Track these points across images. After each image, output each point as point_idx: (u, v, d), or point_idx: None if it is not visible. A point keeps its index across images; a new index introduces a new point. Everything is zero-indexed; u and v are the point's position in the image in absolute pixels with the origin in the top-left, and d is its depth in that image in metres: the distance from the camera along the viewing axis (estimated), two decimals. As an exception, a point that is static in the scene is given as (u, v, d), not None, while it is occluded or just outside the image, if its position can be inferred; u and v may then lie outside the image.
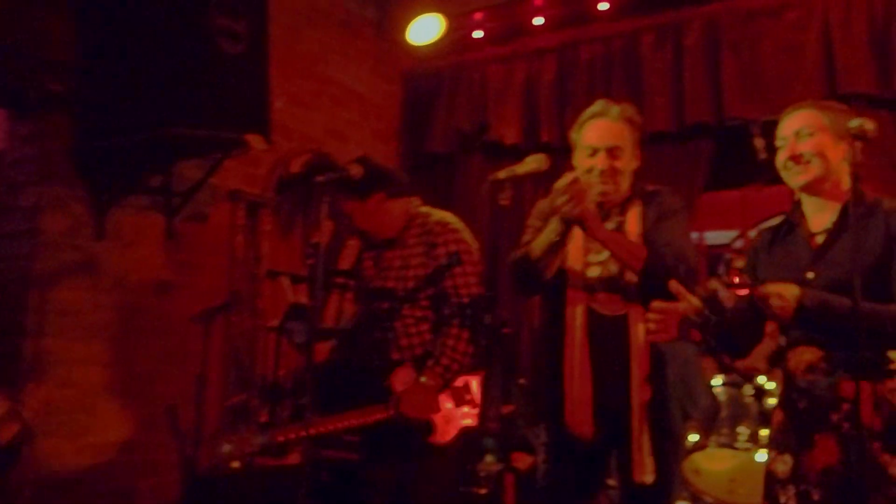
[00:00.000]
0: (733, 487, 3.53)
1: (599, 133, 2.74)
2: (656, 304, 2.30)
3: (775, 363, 2.32)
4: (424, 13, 4.66)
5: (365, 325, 3.02)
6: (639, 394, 2.61)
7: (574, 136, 2.84)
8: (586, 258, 2.74)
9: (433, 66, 5.04)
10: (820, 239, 2.24)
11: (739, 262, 4.08)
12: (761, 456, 3.35)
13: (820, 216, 2.26)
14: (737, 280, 2.31)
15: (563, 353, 2.69)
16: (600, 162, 2.71)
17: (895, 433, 2.06)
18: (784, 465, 2.20)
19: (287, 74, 4.42)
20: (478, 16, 4.88)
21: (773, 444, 2.27)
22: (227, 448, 2.84)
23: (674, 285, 2.32)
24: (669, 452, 2.71)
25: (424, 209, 3.06)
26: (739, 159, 4.35)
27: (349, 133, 4.85)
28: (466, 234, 2.98)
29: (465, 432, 2.93)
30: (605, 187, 2.75)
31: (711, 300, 2.28)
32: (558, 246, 2.67)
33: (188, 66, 3.22)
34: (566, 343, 2.68)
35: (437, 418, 2.85)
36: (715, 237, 5.53)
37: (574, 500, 2.80)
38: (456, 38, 4.87)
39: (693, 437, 3.47)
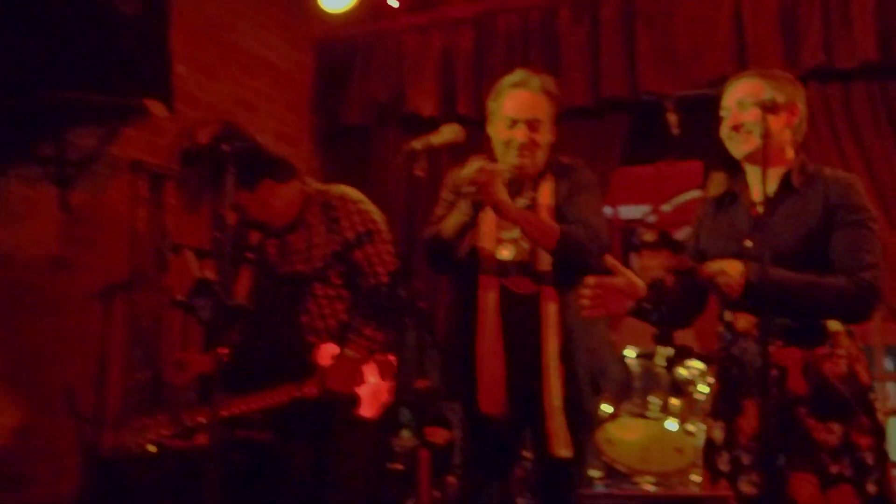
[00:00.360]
0: (645, 456, 3.58)
1: (520, 105, 2.69)
2: (590, 278, 2.27)
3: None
4: (336, -21, 4.51)
5: (277, 309, 2.92)
6: (552, 371, 2.60)
7: (491, 104, 2.78)
8: (499, 235, 2.71)
9: (347, 34, 4.89)
10: (761, 208, 2.23)
11: (648, 236, 4.14)
12: (672, 425, 3.40)
13: (767, 185, 2.24)
14: (680, 266, 2.31)
15: (476, 332, 2.66)
16: (520, 135, 2.67)
17: (822, 399, 2.09)
18: (720, 432, 2.23)
19: (191, 40, 4.21)
20: (392, -18, 4.76)
21: (711, 412, 2.30)
22: (141, 433, 2.79)
23: (609, 260, 2.31)
24: (581, 425, 2.71)
25: (321, 186, 2.97)
26: (653, 134, 4.39)
27: (259, 103, 4.66)
28: (368, 205, 2.91)
29: (388, 406, 2.88)
30: (523, 161, 2.71)
31: (658, 289, 2.27)
32: (469, 227, 2.63)
33: (78, 24, 3.01)
34: (479, 323, 2.66)
35: (363, 392, 2.79)
36: (628, 211, 5.60)
37: (491, 474, 2.79)
38: (370, 6, 4.73)
39: (605, 408, 3.49)
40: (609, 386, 3.05)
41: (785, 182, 2.23)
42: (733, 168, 4.61)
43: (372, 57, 4.81)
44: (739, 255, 2.20)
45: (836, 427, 2.08)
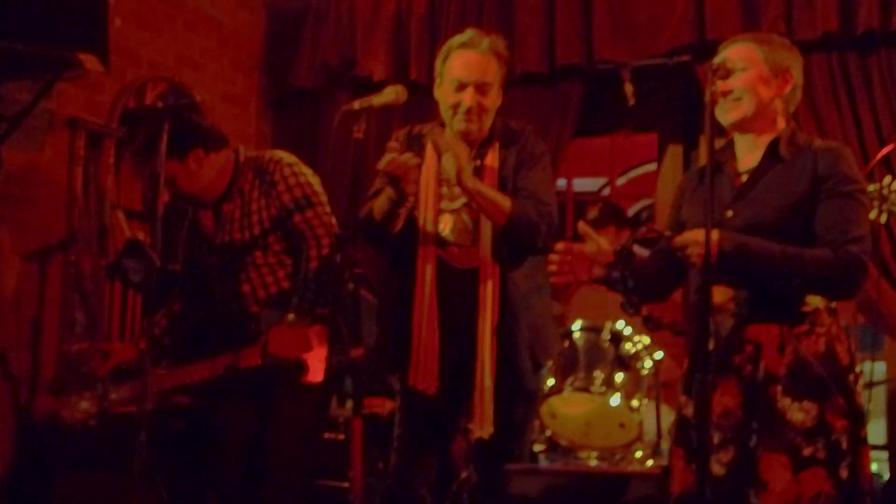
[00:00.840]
0: (589, 430, 3.56)
1: (468, 66, 2.60)
2: (559, 243, 2.20)
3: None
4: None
5: (216, 280, 2.83)
6: (484, 350, 2.54)
7: (439, 66, 2.69)
8: (438, 206, 2.63)
9: (299, -6, 4.75)
10: (745, 178, 2.16)
11: (591, 213, 4.08)
12: (615, 400, 3.38)
13: (751, 155, 2.17)
14: (651, 233, 2.25)
15: (412, 306, 2.59)
16: (468, 98, 2.58)
17: (797, 378, 2.01)
18: (693, 409, 2.10)
19: (134, -6, 4.08)
20: (345, -59, 4.61)
21: (684, 388, 2.22)
22: (84, 405, 2.78)
23: (581, 226, 2.23)
24: (520, 401, 2.66)
25: (253, 153, 2.88)
26: (609, 105, 4.33)
27: (205, 62, 4.51)
28: (303, 168, 2.82)
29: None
30: (469, 125, 2.62)
31: (623, 257, 2.19)
32: (397, 210, 2.56)
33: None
34: (415, 296, 2.59)
35: (310, 357, 2.71)
36: (583, 184, 5.54)
37: (427, 448, 2.74)
38: (323, -34, 4.61)
39: (549, 381, 3.46)
40: (548, 363, 2.99)
41: (771, 151, 2.14)
42: (690, 141, 4.57)
43: (324, 18, 4.67)
44: (720, 225, 2.10)
45: (811, 407, 1.99)
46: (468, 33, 2.68)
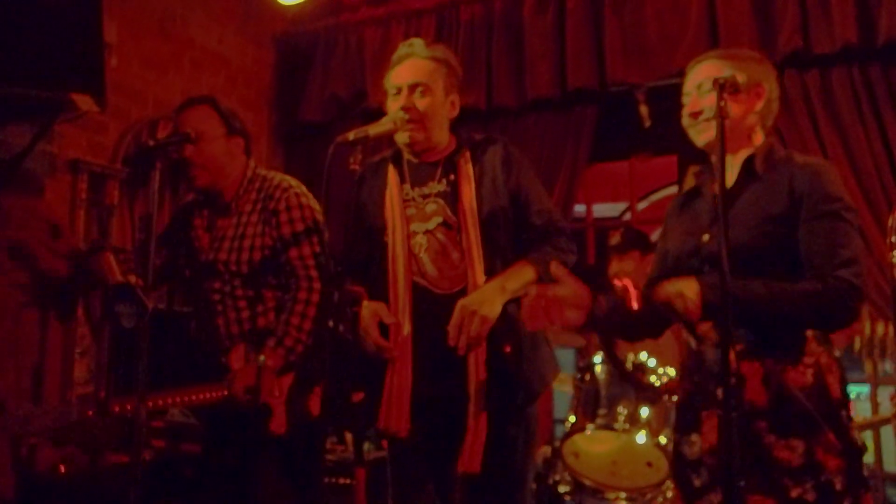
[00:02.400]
0: (615, 470, 3.36)
1: (403, 72, 2.48)
2: (531, 287, 2.08)
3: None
4: (291, -31, 4.30)
5: (195, 310, 2.71)
6: (475, 377, 2.33)
7: (386, 83, 2.55)
8: (407, 229, 2.44)
9: (307, 28, 4.70)
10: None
11: (613, 240, 3.91)
12: (641, 437, 3.17)
13: (729, 175, 2.03)
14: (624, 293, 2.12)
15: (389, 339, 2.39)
16: (402, 100, 2.43)
17: (782, 412, 1.85)
18: (692, 447, 1.99)
19: (138, 35, 4.03)
20: (352, -26, 4.56)
21: (676, 425, 2.09)
22: (24, 424, 2.76)
23: (554, 267, 2.07)
24: (517, 436, 2.41)
25: (262, 171, 2.74)
26: (625, 128, 4.20)
27: (213, 100, 4.46)
28: (310, 199, 2.67)
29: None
30: (412, 134, 2.44)
31: (592, 315, 2.07)
32: None
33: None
34: (389, 328, 2.38)
35: (278, 405, 2.54)
36: (603, 209, 5.38)
37: (426, 492, 2.53)
38: (331, -1, 4.55)
39: (571, 419, 3.28)
40: (543, 390, 2.76)
41: (747, 169, 2.00)
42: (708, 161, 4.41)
43: (332, 51, 4.62)
44: (697, 251, 1.99)
45: (798, 444, 1.83)
46: (404, 44, 2.55)
